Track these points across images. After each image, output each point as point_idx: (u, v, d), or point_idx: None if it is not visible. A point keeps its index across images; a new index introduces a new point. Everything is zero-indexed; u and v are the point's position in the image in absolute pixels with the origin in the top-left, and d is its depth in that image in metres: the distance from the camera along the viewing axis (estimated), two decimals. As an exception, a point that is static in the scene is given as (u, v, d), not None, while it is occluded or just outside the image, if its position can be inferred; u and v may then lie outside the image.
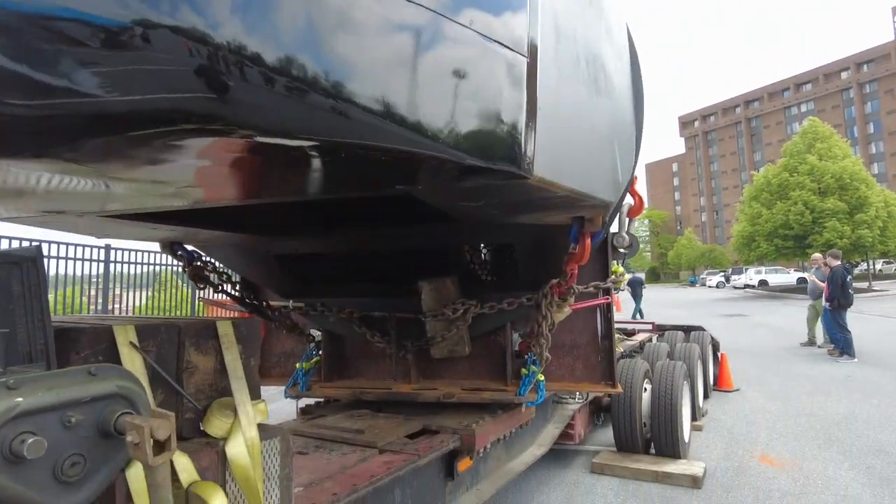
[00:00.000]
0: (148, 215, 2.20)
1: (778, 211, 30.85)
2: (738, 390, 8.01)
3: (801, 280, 41.44)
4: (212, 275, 3.25)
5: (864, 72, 74.37)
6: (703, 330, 8.29)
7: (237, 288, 3.36)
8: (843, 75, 76.66)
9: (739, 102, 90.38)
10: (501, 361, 3.54)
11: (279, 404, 3.97)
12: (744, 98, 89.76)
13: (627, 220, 3.23)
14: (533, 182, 1.46)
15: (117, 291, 9.66)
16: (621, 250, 3.40)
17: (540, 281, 3.13)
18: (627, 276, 3.48)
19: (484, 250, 3.90)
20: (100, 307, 8.92)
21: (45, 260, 3.85)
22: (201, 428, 1.66)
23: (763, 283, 41.76)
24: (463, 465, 3.00)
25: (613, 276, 3.38)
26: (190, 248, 3.14)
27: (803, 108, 78.36)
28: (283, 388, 3.75)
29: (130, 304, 10.01)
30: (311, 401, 3.87)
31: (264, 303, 3.53)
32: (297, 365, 3.72)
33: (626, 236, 3.31)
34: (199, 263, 3.10)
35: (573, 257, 2.62)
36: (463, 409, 3.34)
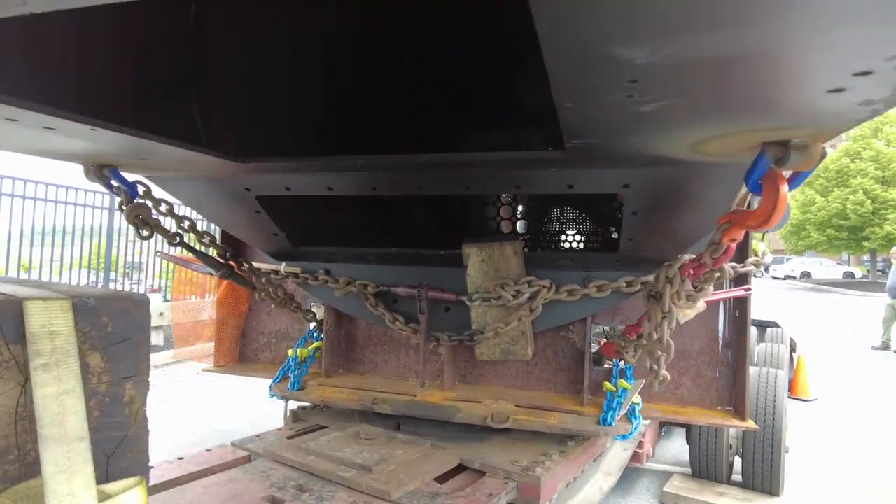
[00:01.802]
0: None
1: (834, 199, 28.58)
2: (815, 400, 6.84)
3: (848, 274, 39.10)
4: (167, 219, 2.25)
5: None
6: (780, 327, 7.07)
7: (206, 242, 2.36)
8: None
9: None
10: (574, 369, 2.49)
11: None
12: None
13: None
14: None
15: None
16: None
17: (657, 255, 2.04)
18: (769, 256, 2.40)
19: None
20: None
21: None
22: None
23: (805, 274, 39.54)
24: (518, 527, 1.99)
25: (755, 257, 2.26)
26: (134, 178, 2.13)
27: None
28: (270, 381, 2.77)
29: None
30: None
31: (245, 265, 2.52)
32: (290, 351, 2.73)
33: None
34: (144, 201, 2.10)
35: (745, 218, 1.51)
36: (518, 436, 2.31)
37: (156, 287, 10.33)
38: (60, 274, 9.70)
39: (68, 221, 9.17)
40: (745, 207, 1.66)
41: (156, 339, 9.31)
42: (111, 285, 11.60)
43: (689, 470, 4.09)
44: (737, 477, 4.02)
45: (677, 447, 4.21)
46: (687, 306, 1.88)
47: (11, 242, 8.58)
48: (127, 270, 12.31)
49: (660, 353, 1.86)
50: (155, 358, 8.88)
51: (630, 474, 4.20)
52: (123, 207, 2.07)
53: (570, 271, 2.28)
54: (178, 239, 2.24)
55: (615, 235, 2.07)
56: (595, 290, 2.18)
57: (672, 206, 1.85)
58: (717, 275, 1.83)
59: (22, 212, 8.39)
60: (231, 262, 2.45)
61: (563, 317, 2.32)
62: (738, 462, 4.02)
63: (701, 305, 1.91)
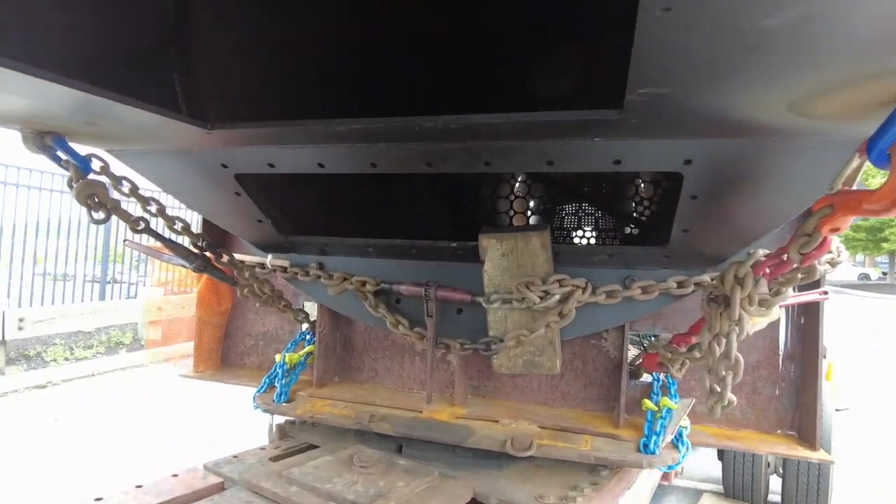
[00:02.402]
0: None
1: (851, 198, 27.94)
2: (847, 409, 6.42)
3: (864, 276, 38.34)
4: (132, 199, 1.90)
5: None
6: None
7: (178, 228, 2.01)
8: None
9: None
10: (607, 383, 2.13)
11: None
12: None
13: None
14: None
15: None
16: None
17: (715, 251, 1.69)
18: (845, 253, 2.05)
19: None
20: None
21: None
22: None
23: (819, 275, 38.74)
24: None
25: (831, 255, 1.89)
26: (87, 151, 1.78)
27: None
28: (256, 389, 2.42)
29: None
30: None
31: (224, 256, 2.17)
32: (278, 357, 2.39)
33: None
34: (99, 178, 1.75)
35: (858, 201, 1.14)
36: (542, 462, 1.95)
37: (164, 280, 10.02)
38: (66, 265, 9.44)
39: (64, 211, 8.91)
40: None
41: (154, 334, 9.03)
42: (119, 278, 11.35)
43: (720, 488, 3.73)
44: (774, 497, 3.66)
45: (708, 462, 3.84)
46: (759, 313, 1.51)
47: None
48: (135, 263, 12.04)
49: (725, 371, 1.49)
50: (146, 355, 8.62)
51: (655, 492, 3.84)
52: (73, 185, 1.72)
53: (607, 269, 1.91)
54: (142, 224, 1.89)
55: (665, 225, 1.70)
56: (639, 291, 1.81)
57: (744, 190, 1.48)
58: (802, 275, 1.46)
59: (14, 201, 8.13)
60: (208, 253, 2.10)
61: (598, 323, 1.95)
62: (775, 481, 3.65)
63: (775, 313, 1.54)
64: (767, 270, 1.47)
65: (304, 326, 2.50)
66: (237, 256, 2.26)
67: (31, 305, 8.56)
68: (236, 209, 2.07)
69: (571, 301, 1.77)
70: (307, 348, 2.45)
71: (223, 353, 2.68)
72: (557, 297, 1.77)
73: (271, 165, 1.80)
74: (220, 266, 2.15)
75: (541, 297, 1.76)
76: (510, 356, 1.90)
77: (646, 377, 2.13)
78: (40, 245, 9.10)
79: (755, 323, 1.56)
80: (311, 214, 2.23)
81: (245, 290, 2.23)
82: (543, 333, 1.83)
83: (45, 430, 5.20)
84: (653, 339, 2.07)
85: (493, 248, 1.83)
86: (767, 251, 1.48)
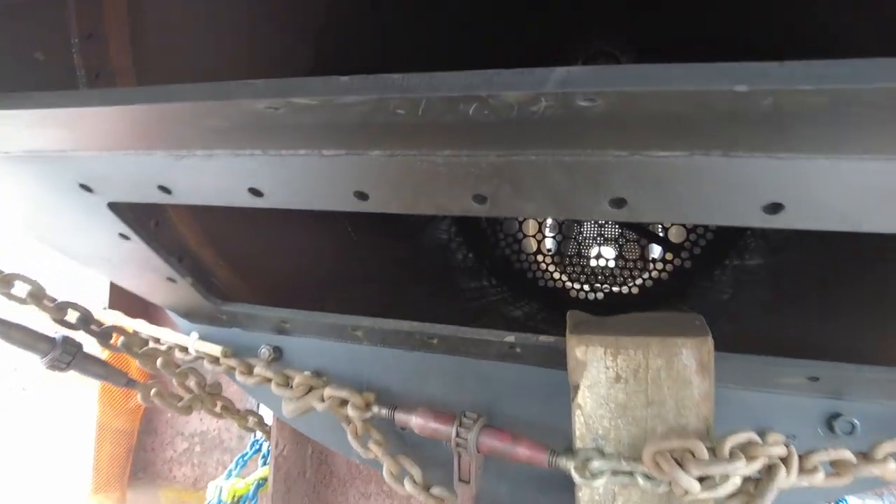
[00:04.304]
0: None
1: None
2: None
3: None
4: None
5: None
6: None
7: (17, 294, 1.13)
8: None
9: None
10: None
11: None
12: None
13: None
14: None
15: None
16: None
17: None
18: None
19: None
20: None
21: None
22: None
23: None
24: None
25: None
26: None
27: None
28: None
29: None
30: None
31: (116, 336, 1.28)
32: (211, 489, 1.48)
33: None
34: None
35: None
36: None
37: None
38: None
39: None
40: None
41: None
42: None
43: None
44: None
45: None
46: None
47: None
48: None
49: None
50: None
51: None
52: None
53: (802, 396, 1.01)
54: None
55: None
56: (891, 461, 0.89)
57: None
58: None
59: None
60: (72, 327, 1.21)
61: None
62: None
63: None
64: None
65: (258, 435, 1.60)
66: (142, 328, 1.37)
67: None
68: (128, 259, 1.19)
69: (770, 487, 0.85)
70: (260, 472, 1.55)
71: (143, 462, 1.78)
72: (737, 481, 0.84)
73: (166, 191, 0.92)
74: (97, 354, 1.26)
75: (702, 482, 0.84)
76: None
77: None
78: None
79: None
80: (261, 268, 1.35)
81: (152, 392, 1.33)
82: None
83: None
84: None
85: (596, 364, 0.92)
86: None
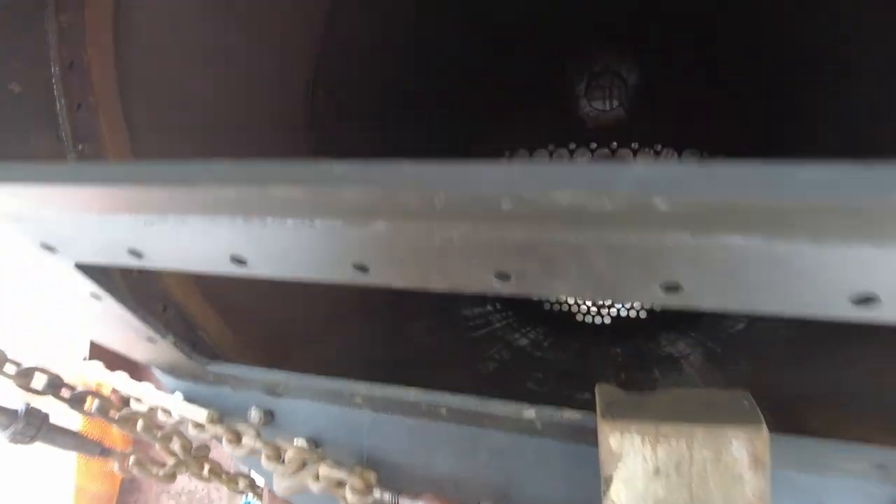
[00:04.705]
0: None
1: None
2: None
3: None
4: None
5: None
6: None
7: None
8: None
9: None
10: None
11: None
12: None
13: None
14: None
15: None
16: None
17: None
18: None
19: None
20: None
21: None
22: None
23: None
24: None
25: None
26: None
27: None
28: None
29: None
30: None
31: (91, 399, 1.17)
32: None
33: None
34: None
35: None
36: None
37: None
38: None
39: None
40: None
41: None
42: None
43: None
44: None
45: None
46: None
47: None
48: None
49: None
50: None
51: None
52: None
53: (867, 482, 0.88)
54: None
55: None
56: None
57: None
58: None
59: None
60: (40, 394, 1.09)
61: None
62: None
63: None
64: None
65: (249, 497, 1.47)
66: (122, 384, 1.25)
67: None
68: (103, 319, 1.07)
69: None
70: (251, 541, 1.42)
71: (124, 523, 1.65)
72: None
73: (136, 255, 0.80)
74: (72, 420, 1.14)
75: None
76: None
77: None
78: None
79: None
80: (253, 323, 1.23)
81: (131, 460, 1.20)
82: None
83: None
84: None
85: (633, 455, 0.80)
86: None
